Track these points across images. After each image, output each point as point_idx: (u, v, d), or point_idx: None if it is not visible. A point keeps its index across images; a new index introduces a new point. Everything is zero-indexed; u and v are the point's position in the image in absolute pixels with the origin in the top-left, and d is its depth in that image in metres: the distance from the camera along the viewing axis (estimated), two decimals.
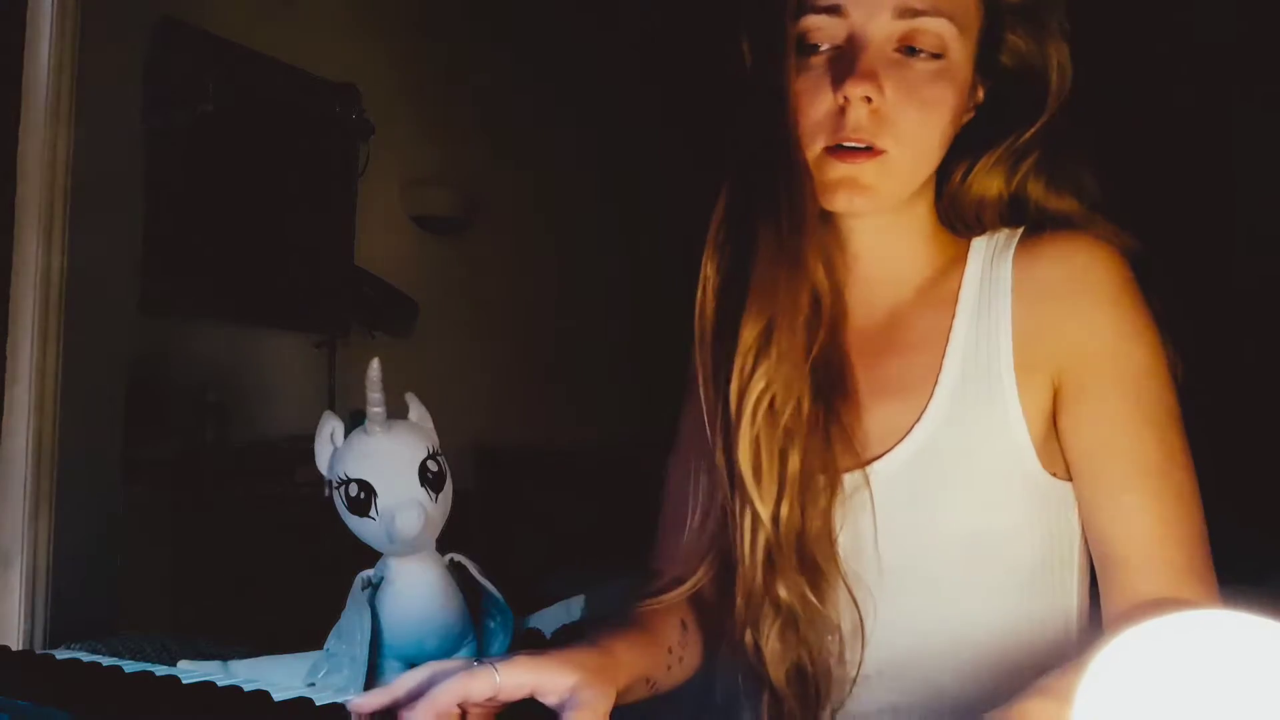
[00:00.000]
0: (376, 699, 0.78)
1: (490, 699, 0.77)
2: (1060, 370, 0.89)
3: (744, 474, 0.88)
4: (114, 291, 1.74)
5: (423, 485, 1.07)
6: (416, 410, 1.14)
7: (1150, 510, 0.85)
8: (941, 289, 0.94)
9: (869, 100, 0.85)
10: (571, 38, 3.73)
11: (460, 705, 0.76)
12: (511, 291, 3.77)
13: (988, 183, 0.93)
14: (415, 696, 0.77)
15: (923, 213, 0.95)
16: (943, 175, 0.95)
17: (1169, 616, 0.57)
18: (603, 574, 1.26)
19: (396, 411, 1.11)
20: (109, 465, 1.74)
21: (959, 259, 0.94)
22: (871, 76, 0.85)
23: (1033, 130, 0.91)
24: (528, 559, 2.90)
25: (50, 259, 1.59)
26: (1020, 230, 0.93)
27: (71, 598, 1.60)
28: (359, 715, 0.78)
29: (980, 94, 0.92)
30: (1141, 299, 0.89)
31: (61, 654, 0.98)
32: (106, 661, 0.94)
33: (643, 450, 1.18)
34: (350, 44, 3.32)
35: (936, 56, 0.87)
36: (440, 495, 1.09)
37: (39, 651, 1.06)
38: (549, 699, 0.79)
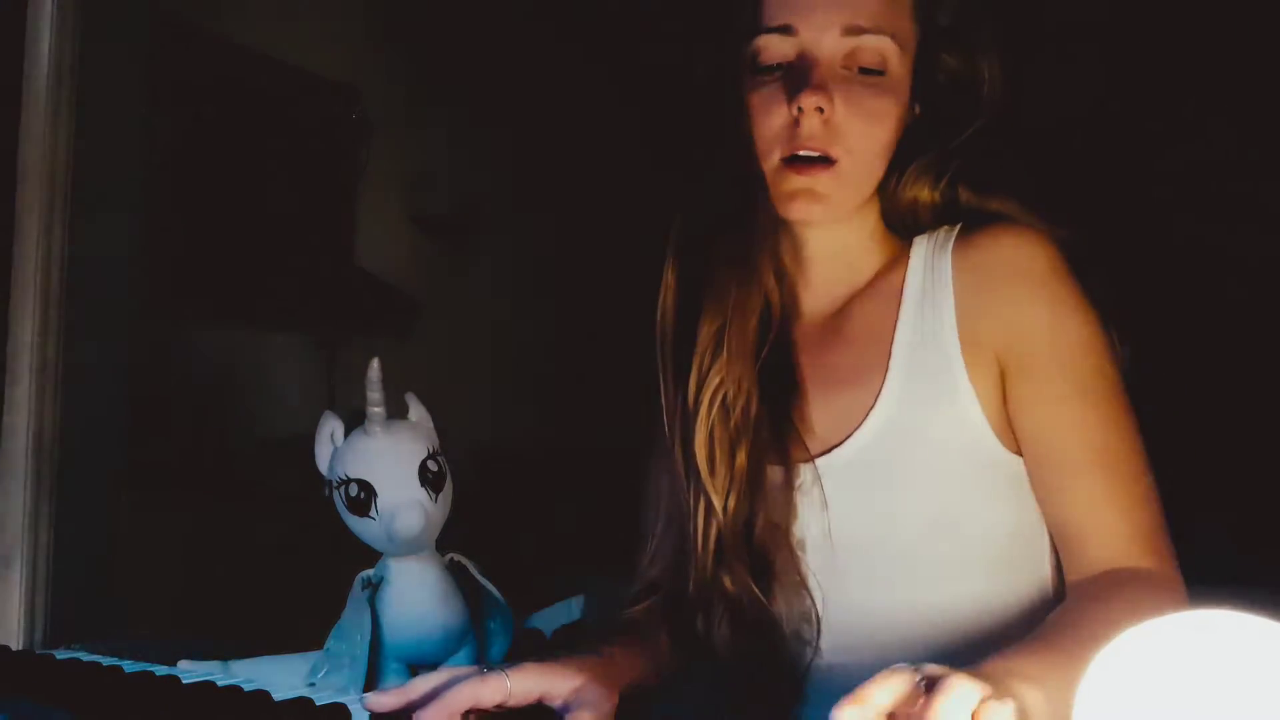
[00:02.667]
0: (392, 699, 0.80)
1: (500, 704, 0.80)
2: (1002, 349, 0.93)
3: (700, 466, 0.94)
4: (114, 291, 1.74)
5: (423, 485, 1.08)
6: (416, 410, 1.14)
7: (1095, 482, 0.89)
8: (887, 284, 0.99)
9: (821, 111, 0.91)
10: (571, 38, 3.73)
11: (472, 709, 0.79)
12: (511, 291, 3.77)
13: (916, 189, 0.99)
14: (429, 699, 0.80)
15: (870, 216, 1.00)
16: (882, 181, 1.00)
17: (1168, 616, 0.57)
18: (603, 574, 1.26)
19: (396, 411, 1.11)
20: (109, 465, 1.74)
21: (903, 257, 1.00)
22: (823, 88, 0.91)
23: (958, 141, 0.97)
24: (528, 559, 2.90)
25: (50, 258, 1.59)
26: (959, 226, 0.98)
27: (71, 598, 1.60)
28: (373, 712, 0.79)
29: (917, 109, 0.98)
30: (1073, 280, 0.93)
31: (61, 654, 0.98)
32: (106, 661, 0.94)
33: (643, 450, 1.18)
34: (350, 44, 3.32)
35: (879, 73, 0.93)
36: (440, 495, 1.09)
37: (39, 651, 1.06)
38: (555, 702, 0.82)
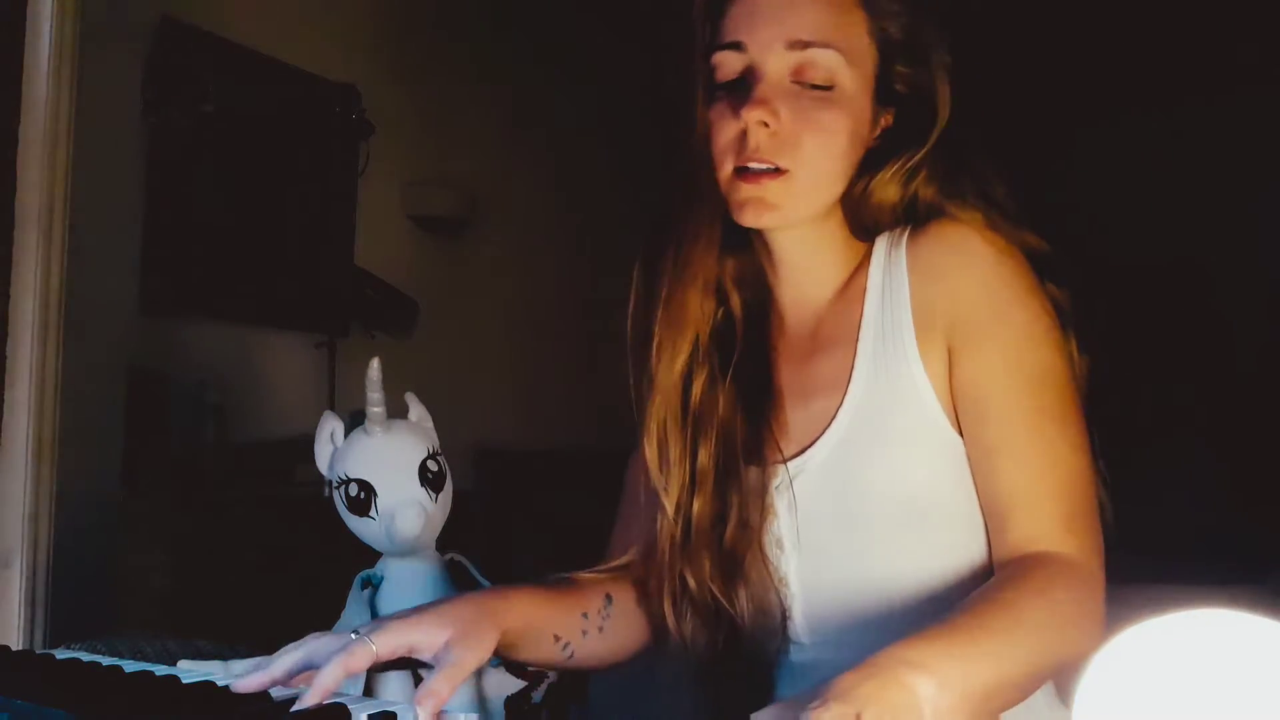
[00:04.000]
0: (256, 681, 0.82)
1: (371, 665, 0.83)
2: (949, 332, 0.95)
3: (650, 465, 0.99)
4: (114, 291, 1.74)
5: (423, 485, 1.07)
6: (416, 410, 1.14)
7: (1025, 464, 0.91)
8: (852, 287, 1.02)
9: (766, 125, 0.94)
10: (572, 37, 3.73)
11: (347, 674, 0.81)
12: (511, 291, 3.78)
13: (884, 193, 1.00)
14: (295, 674, 0.83)
15: (837, 222, 1.02)
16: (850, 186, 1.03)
17: (1168, 616, 0.57)
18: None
19: (396, 411, 1.11)
20: (109, 465, 1.74)
21: (866, 257, 1.02)
22: (765, 103, 0.94)
23: (923, 150, 0.99)
24: (528, 559, 2.90)
25: (50, 259, 1.60)
26: (912, 224, 1.01)
27: (71, 598, 1.60)
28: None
29: (888, 120, 1.01)
30: (1021, 272, 0.95)
31: (61, 654, 0.98)
32: (106, 661, 0.93)
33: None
34: (350, 44, 3.32)
35: (827, 88, 0.95)
36: (440, 495, 1.09)
37: (39, 651, 1.07)
38: (424, 655, 0.85)
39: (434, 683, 0.80)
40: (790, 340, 1.05)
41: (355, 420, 1.10)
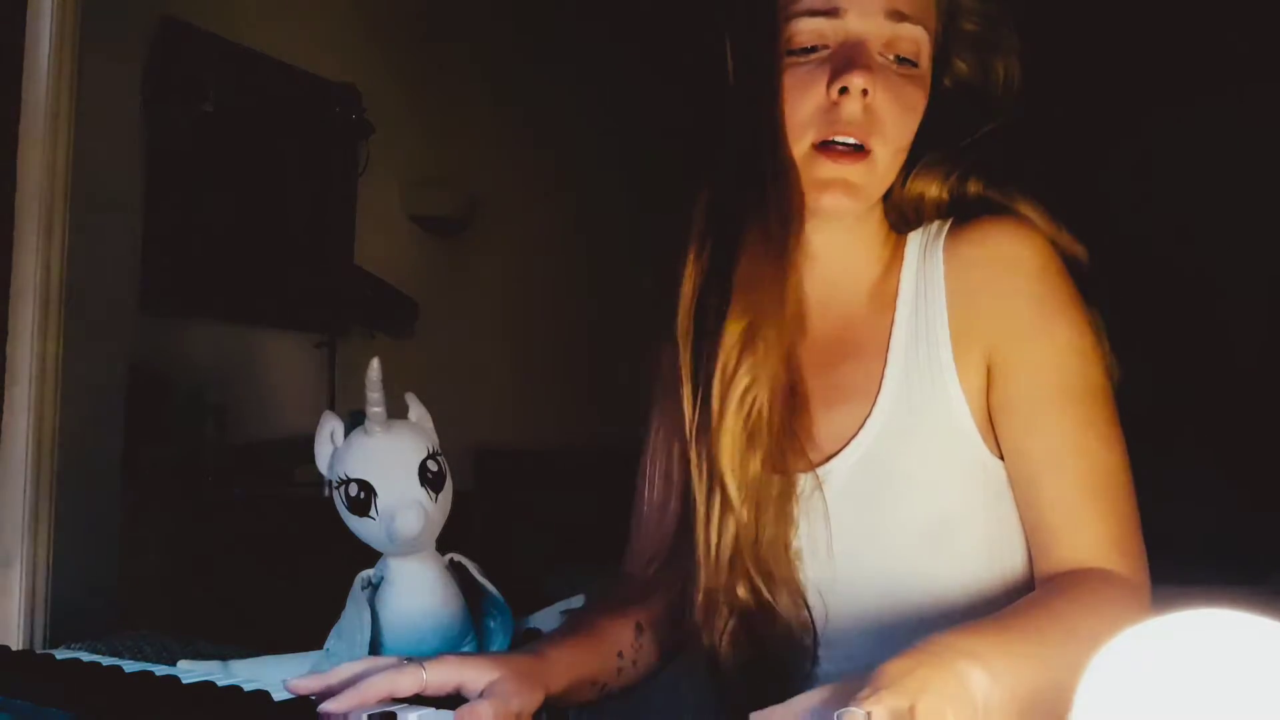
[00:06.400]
0: (312, 684, 0.81)
1: (416, 695, 0.81)
2: (990, 349, 0.91)
3: (723, 472, 0.90)
4: (114, 291, 1.74)
5: (423, 485, 1.07)
6: (416, 410, 1.13)
7: (1074, 480, 0.88)
8: (884, 288, 0.97)
9: (866, 94, 0.88)
10: (573, 37, 3.73)
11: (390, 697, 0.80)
12: (511, 291, 3.77)
13: (925, 184, 0.96)
14: (349, 684, 0.80)
15: (876, 212, 0.98)
16: None
17: (1168, 616, 0.57)
18: (603, 573, 1.26)
19: (396, 411, 1.11)
20: (109, 465, 1.74)
21: (898, 255, 0.98)
22: (870, 70, 0.88)
23: (971, 140, 0.95)
24: (528, 559, 2.90)
25: (50, 259, 1.60)
26: (950, 220, 0.96)
27: (71, 598, 1.60)
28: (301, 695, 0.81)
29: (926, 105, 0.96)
30: (1065, 278, 0.92)
31: (61, 654, 0.98)
32: (106, 661, 0.93)
33: (642, 450, 1.18)
34: (350, 44, 3.32)
35: (914, 63, 0.91)
36: (440, 495, 1.09)
37: (39, 651, 1.06)
38: (471, 693, 0.82)
39: (480, 706, 0.78)
40: (815, 343, 0.98)
41: (355, 420, 1.10)
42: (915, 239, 0.97)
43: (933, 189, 0.96)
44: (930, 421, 0.92)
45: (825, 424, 0.95)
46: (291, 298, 3.14)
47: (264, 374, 3.07)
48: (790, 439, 0.93)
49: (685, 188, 0.95)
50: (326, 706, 0.78)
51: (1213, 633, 0.55)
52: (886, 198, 0.97)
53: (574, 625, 0.98)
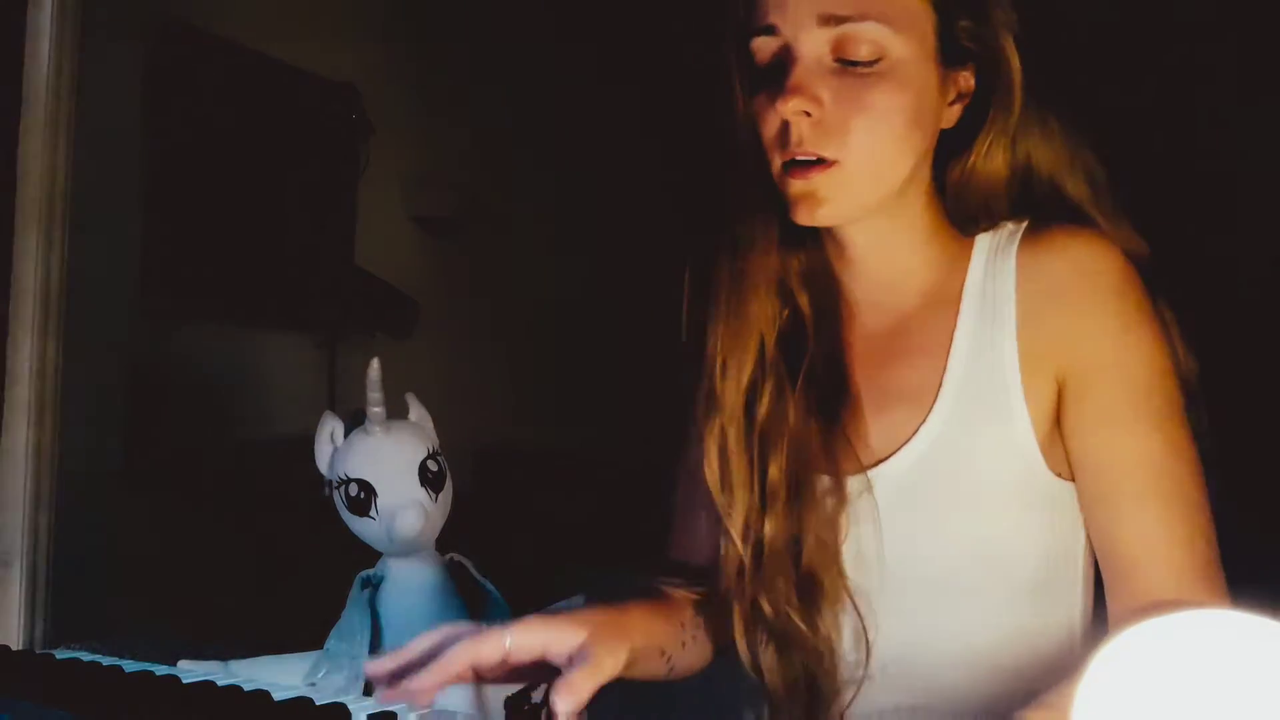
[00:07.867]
0: (389, 664, 0.79)
1: (501, 661, 0.78)
2: (1064, 368, 0.87)
3: (711, 486, 0.91)
4: (114, 291, 1.74)
5: (422, 485, 1.08)
6: (416, 410, 1.14)
7: (1154, 511, 0.84)
8: (945, 290, 0.93)
9: (807, 114, 0.85)
10: (573, 37, 3.73)
11: (473, 668, 0.77)
12: (511, 291, 3.77)
13: (991, 165, 0.91)
14: (426, 660, 0.78)
15: (920, 213, 0.93)
16: (944, 172, 0.93)
17: (1167, 616, 0.57)
18: (603, 573, 1.26)
19: (396, 411, 1.11)
20: (109, 466, 1.74)
21: (962, 257, 0.93)
22: (800, 90, 0.84)
23: (1016, 109, 0.89)
24: (528, 559, 2.90)
25: (50, 259, 1.60)
26: (1024, 224, 0.92)
27: (71, 598, 1.60)
28: (379, 682, 0.79)
29: (967, 81, 0.90)
30: (1145, 295, 0.88)
31: (61, 654, 0.98)
32: (106, 661, 0.93)
33: (643, 450, 1.18)
34: (350, 44, 3.32)
35: (872, 63, 0.85)
36: (440, 495, 1.09)
37: (39, 651, 1.06)
38: (558, 658, 0.79)
39: (575, 677, 0.76)
40: (868, 339, 0.96)
41: (355, 420, 1.10)
42: (984, 241, 0.93)
43: (999, 169, 0.91)
44: (988, 439, 0.89)
45: (881, 423, 0.92)
46: (291, 298, 3.14)
47: (264, 374, 3.07)
48: (840, 438, 0.91)
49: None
50: (411, 684, 0.76)
51: (1213, 633, 0.55)
52: (951, 192, 0.93)
53: (645, 591, 0.96)
